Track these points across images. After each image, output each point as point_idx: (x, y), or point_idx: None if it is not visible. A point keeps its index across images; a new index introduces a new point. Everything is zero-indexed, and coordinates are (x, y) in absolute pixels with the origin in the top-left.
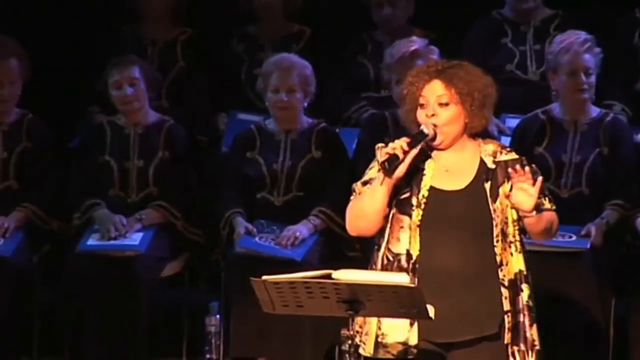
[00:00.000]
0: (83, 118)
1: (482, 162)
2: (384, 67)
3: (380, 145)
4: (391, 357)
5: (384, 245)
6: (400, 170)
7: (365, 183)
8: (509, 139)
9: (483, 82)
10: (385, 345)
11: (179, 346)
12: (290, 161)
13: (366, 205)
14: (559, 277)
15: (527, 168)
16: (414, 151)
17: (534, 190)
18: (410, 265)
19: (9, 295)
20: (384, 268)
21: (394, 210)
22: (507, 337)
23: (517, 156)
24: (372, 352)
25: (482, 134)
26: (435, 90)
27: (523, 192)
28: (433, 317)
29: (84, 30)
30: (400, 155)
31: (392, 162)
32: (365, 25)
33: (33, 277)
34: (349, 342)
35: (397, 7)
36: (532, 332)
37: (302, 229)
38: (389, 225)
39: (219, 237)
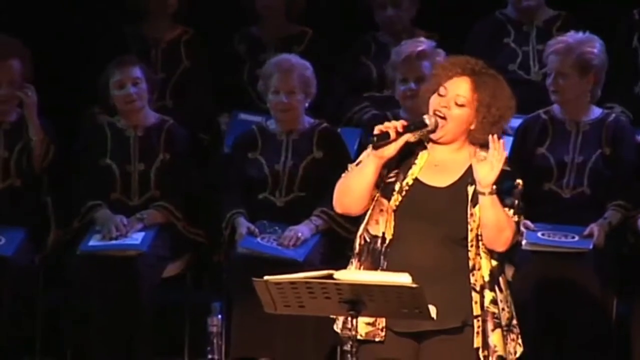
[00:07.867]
0: (84, 119)
1: (471, 166)
2: (389, 65)
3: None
4: (360, 337)
5: (362, 226)
6: (390, 151)
7: (358, 164)
8: (510, 138)
9: (506, 104)
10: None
11: (181, 346)
12: (291, 161)
13: (353, 181)
14: (562, 278)
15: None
16: (408, 135)
17: (497, 166)
18: (383, 249)
19: (11, 296)
20: (361, 249)
21: (378, 194)
22: (477, 341)
23: (508, 168)
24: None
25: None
26: (458, 87)
27: (486, 165)
28: (435, 318)
29: (86, 30)
30: (392, 135)
31: (381, 138)
32: (367, 27)
33: (35, 277)
34: (351, 342)
35: (400, 9)
36: (493, 337)
37: (303, 229)
38: (371, 207)
39: (220, 237)
